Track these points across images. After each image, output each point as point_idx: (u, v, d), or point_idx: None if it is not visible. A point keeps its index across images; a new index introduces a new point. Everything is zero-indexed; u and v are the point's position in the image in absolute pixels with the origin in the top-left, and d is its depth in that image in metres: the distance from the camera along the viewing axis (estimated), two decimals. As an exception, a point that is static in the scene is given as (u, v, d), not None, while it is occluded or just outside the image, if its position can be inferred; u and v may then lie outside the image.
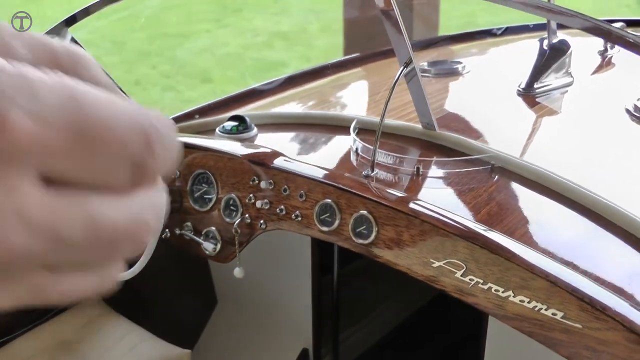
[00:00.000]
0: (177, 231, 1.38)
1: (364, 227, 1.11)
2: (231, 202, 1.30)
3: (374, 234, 1.10)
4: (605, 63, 1.83)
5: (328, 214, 1.16)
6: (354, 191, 1.12)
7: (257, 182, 1.25)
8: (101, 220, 0.42)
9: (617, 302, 0.89)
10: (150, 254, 1.29)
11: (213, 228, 1.34)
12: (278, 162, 1.22)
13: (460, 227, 1.00)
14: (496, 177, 1.20)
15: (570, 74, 1.65)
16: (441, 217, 1.02)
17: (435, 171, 1.21)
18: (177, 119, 1.61)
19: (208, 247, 1.33)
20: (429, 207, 1.05)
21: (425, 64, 1.85)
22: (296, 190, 1.20)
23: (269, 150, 1.27)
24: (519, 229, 1.04)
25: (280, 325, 1.76)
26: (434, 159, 1.24)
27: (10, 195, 0.38)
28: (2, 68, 0.38)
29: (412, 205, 1.06)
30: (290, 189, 1.21)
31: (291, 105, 1.78)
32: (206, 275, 1.86)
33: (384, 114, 1.19)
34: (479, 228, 1.00)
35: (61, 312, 1.53)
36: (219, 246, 1.33)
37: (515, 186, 1.17)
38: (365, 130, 1.40)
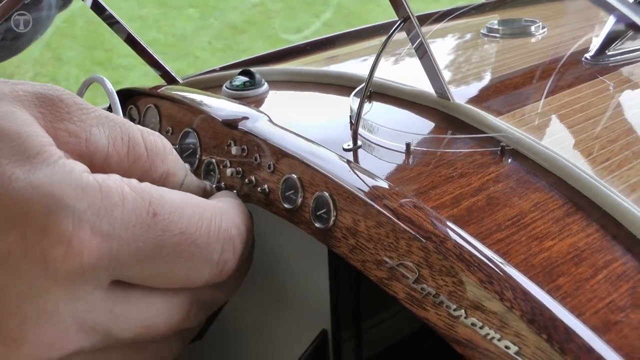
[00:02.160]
0: (163, 192, 1.26)
1: (324, 210, 0.94)
2: (210, 166, 1.17)
3: (332, 219, 0.92)
4: None
5: (292, 191, 1.00)
6: (315, 167, 0.95)
7: (231, 147, 1.11)
8: (153, 325, 0.56)
9: (587, 344, 0.68)
10: None
11: (195, 193, 1.22)
12: (247, 124, 1.06)
13: (415, 223, 0.81)
14: (505, 162, 0.97)
15: (659, 40, 1.35)
16: (398, 208, 0.83)
17: (430, 149, 1.01)
18: (202, 74, 1.50)
19: None
20: (390, 195, 0.86)
21: (496, 22, 1.61)
22: (266, 160, 1.04)
23: (248, 111, 1.12)
24: (499, 232, 0.83)
25: (299, 303, 1.62)
26: (430, 135, 1.04)
27: (74, 304, 0.46)
28: (89, 189, 0.47)
29: (370, 190, 0.87)
30: (261, 158, 1.05)
31: (338, 64, 1.60)
32: None
33: (371, 75, 1.00)
34: (440, 227, 0.81)
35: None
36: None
37: (523, 176, 0.95)
38: (380, 95, 1.21)
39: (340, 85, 1.29)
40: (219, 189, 1.15)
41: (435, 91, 1.11)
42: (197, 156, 1.20)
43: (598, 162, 0.97)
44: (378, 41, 1.69)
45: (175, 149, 1.23)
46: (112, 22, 1.38)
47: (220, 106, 1.16)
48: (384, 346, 1.70)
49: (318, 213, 0.95)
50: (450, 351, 1.70)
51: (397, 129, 1.05)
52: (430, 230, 0.80)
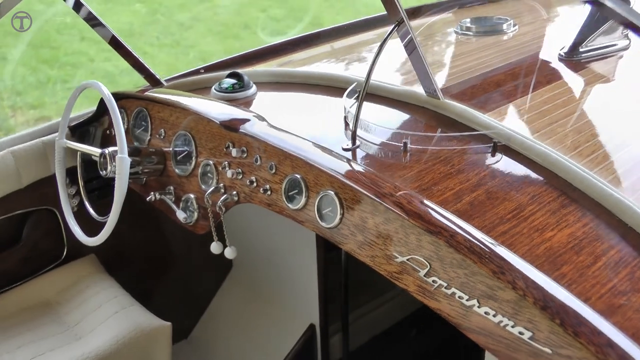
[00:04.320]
0: (158, 196, 1.28)
1: (330, 209, 0.97)
2: (208, 168, 1.19)
3: (338, 217, 0.96)
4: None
5: (296, 191, 1.03)
6: (321, 167, 0.98)
7: (231, 149, 1.13)
8: None
9: (597, 327, 0.72)
10: (112, 227, 1.20)
11: (192, 195, 1.23)
12: (247, 127, 1.09)
13: (425, 218, 0.85)
14: (498, 158, 1.02)
15: (626, 35, 1.42)
16: (407, 205, 0.87)
17: (425, 147, 1.05)
18: (184, 75, 1.51)
19: (180, 215, 1.23)
20: (397, 192, 0.90)
21: (468, 20, 1.66)
22: (267, 161, 1.07)
23: (246, 114, 1.14)
24: (502, 225, 0.87)
25: (286, 299, 1.65)
26: (426, 133, 1.08)
27: None
28: None
29: (378, 188, 0.91)
30: (262, 160, 1.08)
31: (318, 64, 1.63)
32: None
33: (369, 76, 1.03)
34: (449, 221, 0.85)
35: (52, 269, 1.49)
36: (196, 215, 1.23)
37: (517, 171, 0.99)
38: (371, 95, 1.25)
39: (328, 86, 1.33)
40: (217, 190, 1.17)
41: (425, 90, 1.15)
42: (193, 158, 1.21)
43: (585, 155, 1.03)
44: (359, 38, 1.74)
45: (169, 152, 1.25)
46: (94, 23, 1.38)
47: (217, 109, 1.18)
48: (369, 337, 1.75)
49: (324, 211, 0.98)
50: (432, 342, 1.78)
51: (392, 128, 1.08)
52: (440, 225, 0.84)
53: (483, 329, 0.81)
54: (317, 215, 0.99)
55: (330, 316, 1.60)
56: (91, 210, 1.35)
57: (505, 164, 1.01)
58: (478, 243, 0.81)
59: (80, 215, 1.37)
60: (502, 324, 0.78)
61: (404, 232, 0.88)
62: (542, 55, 1.40)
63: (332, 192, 0.96)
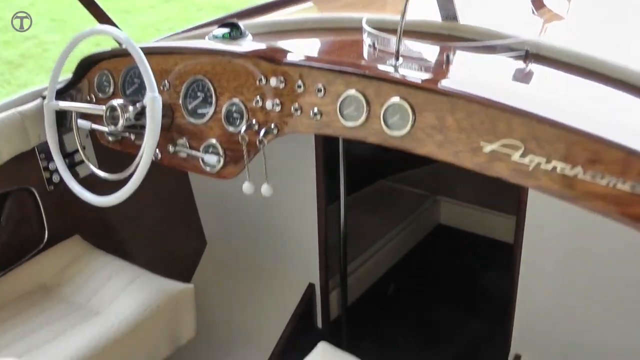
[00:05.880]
0: (171, 149, 1.22)
1: (398, 116, 0.98)
2: (234, 108, 1.15)
3: (410, 123, 0.97)
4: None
5: (353, 107, 1.02)
6: (382, 77, 0.98)
7: (264, 82, 1.11)
8: None
9: None
10: (141, 177, 1.13)
11: (213, 140, 1.19)
12: (291, 56, 1.08)
13: (514, 102, 0.88)
14: (532, 64, 1.08)
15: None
16: (489, 96, 0.90)
17: (465, 59, 1.08)
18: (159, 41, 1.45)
19: (210, 160, 1.18)
20: (474, 86, 0.93)
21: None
22: (313, 84, 1.06)
23: (278, 45, 1.13)
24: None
25: (284, 261, 1.62)
26: (463, 44, 1.12)
27: None
28: None
29: (454, 85, 0.93)
30: (306, 85, 1.07)
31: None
32: (193, 211, 1.73)
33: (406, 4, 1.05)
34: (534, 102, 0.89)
35: (36, 255, 1.36)
36: (222, 160, 1.18)
37: (556, 72, 1.06)
38: (383, 30, 1.27)
39: (325, 29, 1.33)
40: (250, 127, 1.14)
41: (443, 16, 1.20)
42: (213, 102, 1.17)
43: (610, 52, 1.10)
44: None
45: (176, 103, 1.20)
46: None
47: (240, 47, 1.15)
48: (367, 287, 1.76)
49: (390, 121, 0.99)
50: (425, 283, 1.79)
51: (430, 44, 1.11)
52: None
53: (590, 193, 0.84)
54: (384, 126, 0.99)
55: (330, 274, 1.60)
56: (99, 172, 1.26)
57: (542, 69, 1.07)
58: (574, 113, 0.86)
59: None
60: (611, 184, 0.83)
61: (490, 121, 0.90)
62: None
63: (399, 99, 0.97)
